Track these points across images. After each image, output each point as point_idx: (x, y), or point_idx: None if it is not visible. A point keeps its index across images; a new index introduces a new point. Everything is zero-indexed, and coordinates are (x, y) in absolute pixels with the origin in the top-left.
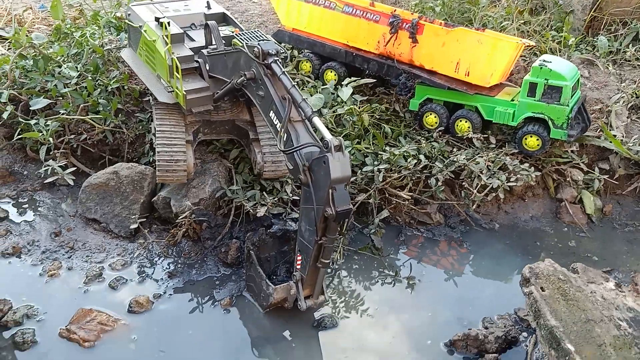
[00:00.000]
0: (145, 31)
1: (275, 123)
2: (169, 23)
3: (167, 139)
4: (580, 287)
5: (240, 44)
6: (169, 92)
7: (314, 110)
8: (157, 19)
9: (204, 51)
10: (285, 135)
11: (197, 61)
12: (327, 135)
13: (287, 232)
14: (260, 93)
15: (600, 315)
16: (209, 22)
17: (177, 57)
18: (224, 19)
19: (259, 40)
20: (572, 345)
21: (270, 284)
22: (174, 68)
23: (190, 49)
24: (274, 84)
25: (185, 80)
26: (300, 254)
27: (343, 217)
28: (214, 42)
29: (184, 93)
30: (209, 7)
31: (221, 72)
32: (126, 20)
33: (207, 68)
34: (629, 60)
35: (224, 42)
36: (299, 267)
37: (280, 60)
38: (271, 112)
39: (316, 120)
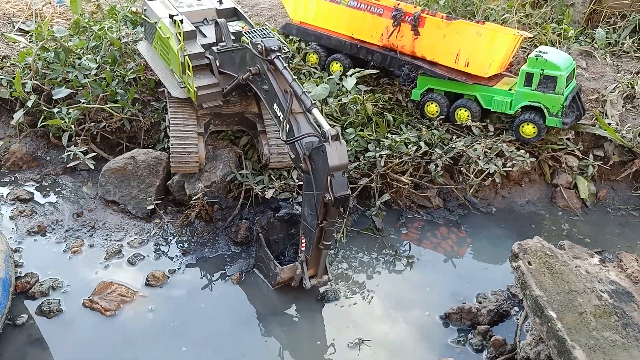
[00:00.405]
0: (159, 27)
1: (279, 115)
2: (181, 21)
3: (180, 131)
4: (565, 262)
5: (247, 42)
6: (181, 87)
7: (313, 102)
8: (171, 16)
9: (214, 48)
10: (287, 126)
11: (208, 58)
12: (325, 126)
13: (293, 215)
14: (265, 87)
15: (583, 287)
16: (218, 19)
17: (189, 55)
18: (235, 14)
19: (263, 38)
20: (554, 312)
21: (277, 264)
22: (186, 66)
23: (202, 45)
24: (276, 78)
25: (197, 76)
26: (304, 237)
27: (341, 203)
28: (224, 39)
29: (195, 89)
30: (220, 2)
31: (230, 67)
32: (142, 15)
33: (217, 64)
34: (627, 52)
35: (233, 38)
36: (303, 249)
37: (282, 56)
38: (274, 104)
39: (315, 111)
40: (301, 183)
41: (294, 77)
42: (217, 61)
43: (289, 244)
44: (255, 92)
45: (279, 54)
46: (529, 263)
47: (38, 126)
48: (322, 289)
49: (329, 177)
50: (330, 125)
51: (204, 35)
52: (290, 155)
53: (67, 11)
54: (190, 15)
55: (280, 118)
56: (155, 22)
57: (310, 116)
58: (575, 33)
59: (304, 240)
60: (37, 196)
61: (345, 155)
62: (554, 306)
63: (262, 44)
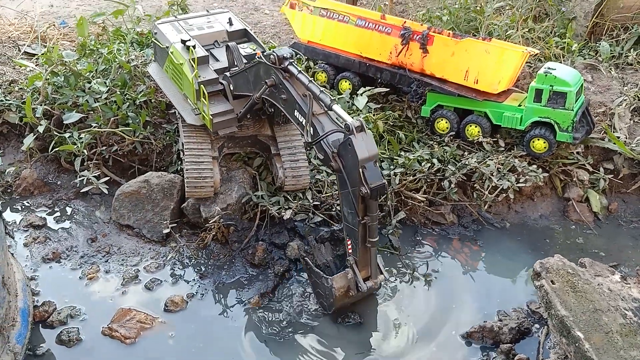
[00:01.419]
0: (172, 53)
1: (301, 120)
2: (194, 46)
3: (195, 156)
4: (588, 280)
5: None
6: (196, 114)
7: (333, 98)
8: (183, 42)
9: (227, 73)
10: (312, 129)
11: (221, 83)
12: (348, 119)
13: (334, 232)
14: (283, 96)
15: (607, 305)
16: (229, 43)
17: (203, 80)
18: (245, 35)
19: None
20: (581, 332)
21: (327, 276)
22: (201, 94)
23: (214, 70)
24: (293, 84)
25: (212, 102)
26: (348, 238)
27: (378, 193)
28: (236, 63)
29: (211, 117)
30: (230, 23)
31: (245, 88)
32: (153, 39)
33: (231, 88)
34: (631, 64)
35: (245, 61)
36: (350, 251)
37: (295, 62)
38: (295, 111)
39: (336, 107)
40: (316, 203)
41: (310, 79)
42: (230, 85)
43: (342, 267)
44: (268, 114)
45: (292, 60)
46: (552, 282)
47: (50, 152)
48: (343, 312)
49: (361, 170)
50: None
51: (216, 59)
52: (319, 157)
53: (71, 32)
54: (201, 38)
55: (303, 123)
56: (167, 47)
57: (332, 114)
58: (578, 47)
59: (349, 242)
60: (50, 222)
61: (374, 145)
62: (581, 326)
63: (274, 53)
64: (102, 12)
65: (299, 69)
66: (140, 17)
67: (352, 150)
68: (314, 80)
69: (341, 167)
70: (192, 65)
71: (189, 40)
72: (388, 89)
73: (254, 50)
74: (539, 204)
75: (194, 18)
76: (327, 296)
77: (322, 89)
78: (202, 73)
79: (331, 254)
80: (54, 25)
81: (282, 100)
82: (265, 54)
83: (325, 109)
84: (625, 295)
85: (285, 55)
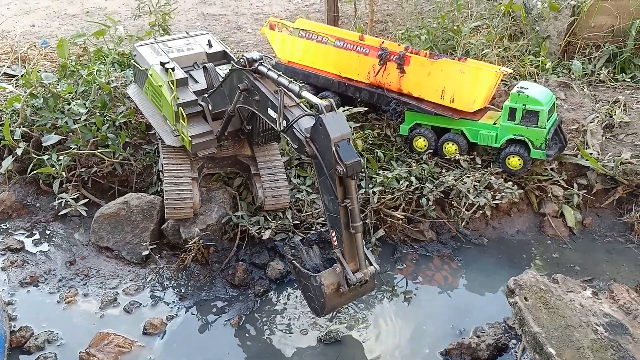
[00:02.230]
0: (151, 75)
1: (274, 116)
2: (173, 69)
3: (174, 177)
4: (560, 296)
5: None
6: (175, 135)
7: (302, 85)
8: (162, 64)
9: (205, 94)
10: (284, 121)
11: (200, 104)
12: (316, 100)
13: (321, 234)
14: (256, 98)
15: (579, 321)
16: (206, 64)
17: (182, 102)
18: (224, 57)
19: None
20: (553, 349)
21: (315, 275)
22: (180, 116)
23: (194, 92)
24: (264, 83)
25: (190, 124)
26: (332, 228)
27: (354, 170)
28: (214, 84)
29: (190, 139)
30: (210, 45)
31: (222, 104)
32: (132, 60)
33: (210, 109)
34: (603, 82)
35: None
36: (335, 243)
37: (265, 63)
38: (269, 109)
39: (305, 93)
40: (296, 222)
41: (280, 73)
42: (209, 106)
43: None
44: (247, 132)
45: (262, 61)
46: (526, 299)
47: (28, 174)
48: (322, 333)
49: (334, 149)
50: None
51: (195, 81)
52: (293, 147)
53: (52, 52)
54: (180, 60)
55: (275, 117)
56: (146, 69)
57: (302, 100)
58: (552, 65)
59: (333, 233)
60: (28, 245)
61: (346, 124)
62: (553, 342)
63: (244, 57)
64: (83, 33)
65: (269, 67)
66: (122, 38)
67: (324, 130)
68: None
69: (315, 151)
70: (171, 87)
71: (168, 62)
72: (367, 108)
73: None
74: (515, 220)
75: (173, 40)
76: (318, 297)
77: (291, 80)
78: (181, 95)
79: (320, 258)
80: (34, 45)
81: (256, 102)
82: (235, 61)
83: (296, 99)
84: (597, 310)
85: (254, 58)
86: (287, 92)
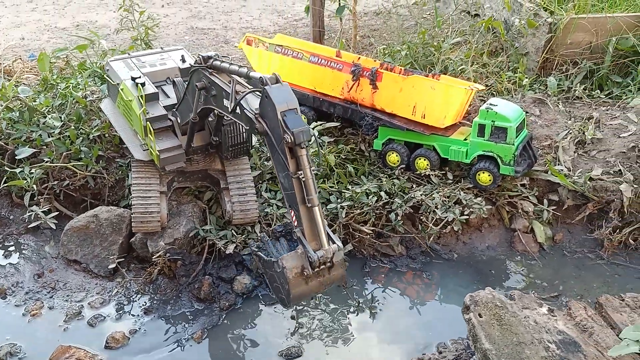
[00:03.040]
0: (122, 89)
1: (228, 107)
2: (143, 84)
3: (143, 191)
4: (515, 313)
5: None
6: (144, 150)
7: (250, 68)
8: (133, 79)
9: (174, 109)
10: (236, 107)
11: (170, 119)
12: (261, 75)
13: (287, 225)
14: (213, 93)
15: (531, 338)
16: (175, 79)
17: (151, 117)
18: None
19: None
20: None
21: (277, 259)
22: (148, 130)
23: (164, 107)
24: (219, 77)
25: (159, 138)
26: (291, 208)
27: (302, 138)
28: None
29: (158, 153)
30: (183, 60)
31: (188, 112)
32: (105, 76)
33: (179, 121)
34: (580, 98)
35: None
36: (295, 223)
37: (219, 58)
38: (224, 100)
39: (252, 73)
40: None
41: (232, 62)
42: (178, 119)
43: None
44: (215, 144)
45: (216, 57)
46: (480, 315)
47: (0, 186)
48: (284, 346)
49: (281, 118)
50: None
51: (167, 96)
52: (245, 126)
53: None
54: (153, 75)
55: (228, 104)
56: (118, 84)
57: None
58: (530, 81)
59: (292, 212)
60: None
61: (292, 95)
62: (502, 359)
63: (199, 55)
64: (65, 47)
65: (222, 60)
66: (106, 51)
67: (269, 101)
68: None
69: (265, 127)
70: (141, 102)
71: (139, 77)
72: (340, 124)
73: None
74: (486, 235)
75: (147, 55)
76: (282, 284)
77: (241, 66)
78: (151, 109)
79: (288, 250)
80: (20, 58)
81: (214, 97)
82: (192, 63)
83: (248, 86)
84: (551, 327)
85: (209, 55)
86: (238, 77)
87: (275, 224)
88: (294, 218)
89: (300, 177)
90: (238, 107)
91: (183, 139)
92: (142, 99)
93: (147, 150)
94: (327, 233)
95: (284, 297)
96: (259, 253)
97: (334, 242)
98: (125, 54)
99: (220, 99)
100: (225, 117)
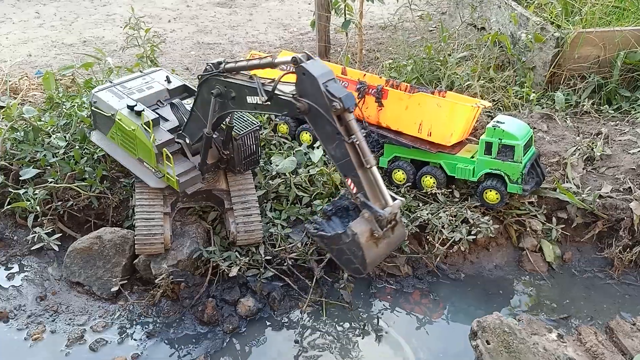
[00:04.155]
0: (119, 120)
1: (254, 101)
2: (142, 110)
3: (146, 212)
4: (523, 339)
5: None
6: (159, 177)
7: (274, 57)
8: (130, 107)
9: (179, 132)
10: (265, 97)
11: (178, 142)
12: (291, 56)
13: (335, 204)
14: (233, 95)
15: None
16: (173, 101)
17: (160, 143)
18: (185, 90)
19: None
20: None
21: (343, 230)
22: (164, 157)
23: (168, 130)
24: (236, 76)
25: (175, 163)
26: (347, 176)
27: (349, 102)
28: (184, 117)
29: (177, 178)
30: (169, 81)
31: (199, 129)
32: (93, 108)
33: (188, 142)
34: (588, 113)
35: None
36: (354, 190)
37: (229, 60)
38: (248, 97)
39: (278, 59)
40: (268, 257)
41: (245, 58)
42: (187, 139)
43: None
44: (225, 159)
45: (225, 59)
46: (487, 342)
47: (4, 208)
48: None
49: (323, 89)
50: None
51: (165, 119)
52: (286, 113)
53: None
54: (144, 100)
55: (257, 101)
56: (112, 114)
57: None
58: (537, 96)
59: (349, 181)
60: (2, 279)
61: (326, 66)
62: None
63: (208, 64)
64: (71, 65)
65: (238, 61)
66: (112, 69)
67: (309, 76)
68: (275, 132)
69: (307, 103)
70: (147, 130)
71: (136, 105)
72: None
73: None
74: (494, 254)
75: (129, 81)
76: (355, 252)
77: (261, 58)
78: (157, 135)
79: (342, 227)
80: (26, 75)
81: (232, 99)
82: (200, 75)
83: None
84: (560, 354)
85: (219, 61)
86: (262, 68)
87: (279, 245)
88: (352, 185)
89: (354, 141)
90: (273, 96)
91: (194, 159)
92: (148, 126)
93: (162, 178)
94: (387, 191)
95: (358, 266)
96: (321, 233)
97: (395, 198)
98: (106, 83)
99: (242, 98)
100: (235, 130)
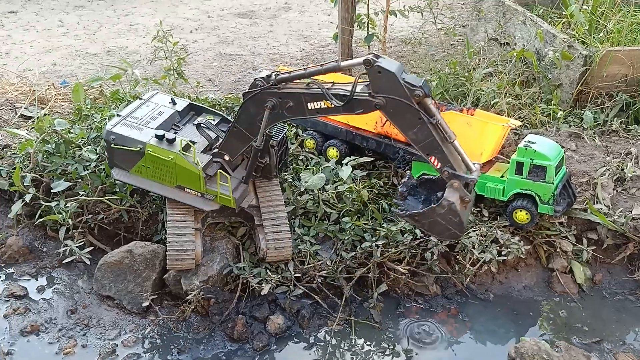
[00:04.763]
0: (151, 151)
1: (318, 106)
2: (174, 139)
3: (178, 228)
4: None
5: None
6: (210, 199)
7: (334, 61)
8: (159, 137)
9: (215, 150)
10: (334, 100)
11: (216, 161)
12: (361, 58)
13: (406, 184)
14: (290, 105)
15: None
16: (199, 121)
17: (204, 165)
18: (191, 109)
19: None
20: None
21: (438, 203)
22: (218, 178)
23: (201, 152)
24: (292, 86)
25: (222, 182)
26: (430, 155)
27: (428, 88)
28: (215, 134)
29: (234, 197)
30: (174, 103)
31: (242, 143)
32: (111, 145)
33: (227, 159)
34: (616, 131)
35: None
36: (439, 165)
37: (277, 72)
38: (308, 104)
39: (343, 63)
40: (298, 275)
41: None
42: (225, 156)
43: None
44: (263, 166)
45: (274, 71)
46: None
47: (36, 220)
48: None
49: (401, 81)
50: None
51: (193, 142)
52: (360, 111)
53: (71, 92)
54: (163, 127)
55: (322, 105)
56: (141, 148)
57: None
58: (564, 114)
59: (432, 158)
60: (32, 292)
61: (395, 62)
62: None
63: (258, 79)
64: (100, 77)
65: (292, 71)
66: (138, 80)
67: (385, 72)
68: (302, 147)
69: (384, 97)
70: (187, 155)
71: (164, 134)
72: (373, 158)
73: (213, 119)
74: (523, 275)
75: (135, 110)
76: (452, 218)
77: (320, 64)
78: (199, 159)
79: (418, 205)
80: (53, 85)
81: (289, 109)
82: (246, 91)
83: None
84: None
85: (267, 74)
86: (325, 73)
87: (308, 262)
88: (437, 162)
89: (437, 121)
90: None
91: (235, 173)
92: (189, 151)
93: (214, 199)
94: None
95: (455, 231)
96: (410, 212)
97: (473, 163)
98: (114, 116)
99: (301, 106)
100: (273, 137)
